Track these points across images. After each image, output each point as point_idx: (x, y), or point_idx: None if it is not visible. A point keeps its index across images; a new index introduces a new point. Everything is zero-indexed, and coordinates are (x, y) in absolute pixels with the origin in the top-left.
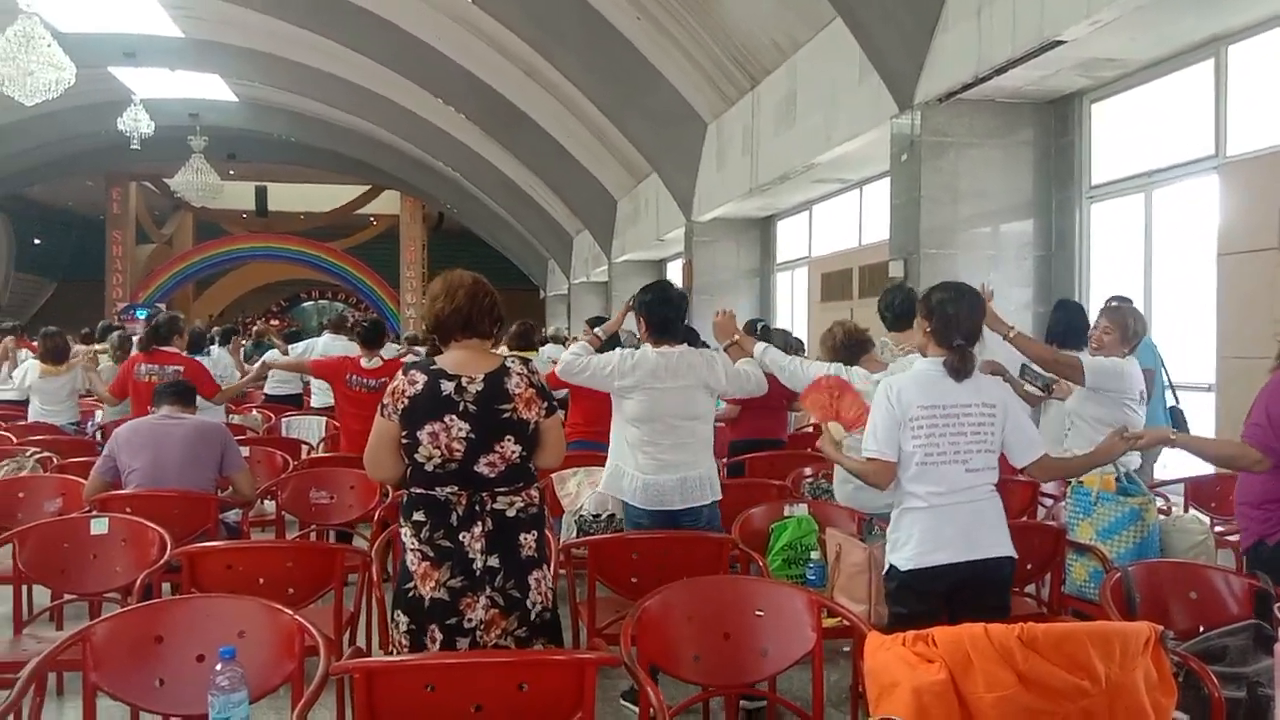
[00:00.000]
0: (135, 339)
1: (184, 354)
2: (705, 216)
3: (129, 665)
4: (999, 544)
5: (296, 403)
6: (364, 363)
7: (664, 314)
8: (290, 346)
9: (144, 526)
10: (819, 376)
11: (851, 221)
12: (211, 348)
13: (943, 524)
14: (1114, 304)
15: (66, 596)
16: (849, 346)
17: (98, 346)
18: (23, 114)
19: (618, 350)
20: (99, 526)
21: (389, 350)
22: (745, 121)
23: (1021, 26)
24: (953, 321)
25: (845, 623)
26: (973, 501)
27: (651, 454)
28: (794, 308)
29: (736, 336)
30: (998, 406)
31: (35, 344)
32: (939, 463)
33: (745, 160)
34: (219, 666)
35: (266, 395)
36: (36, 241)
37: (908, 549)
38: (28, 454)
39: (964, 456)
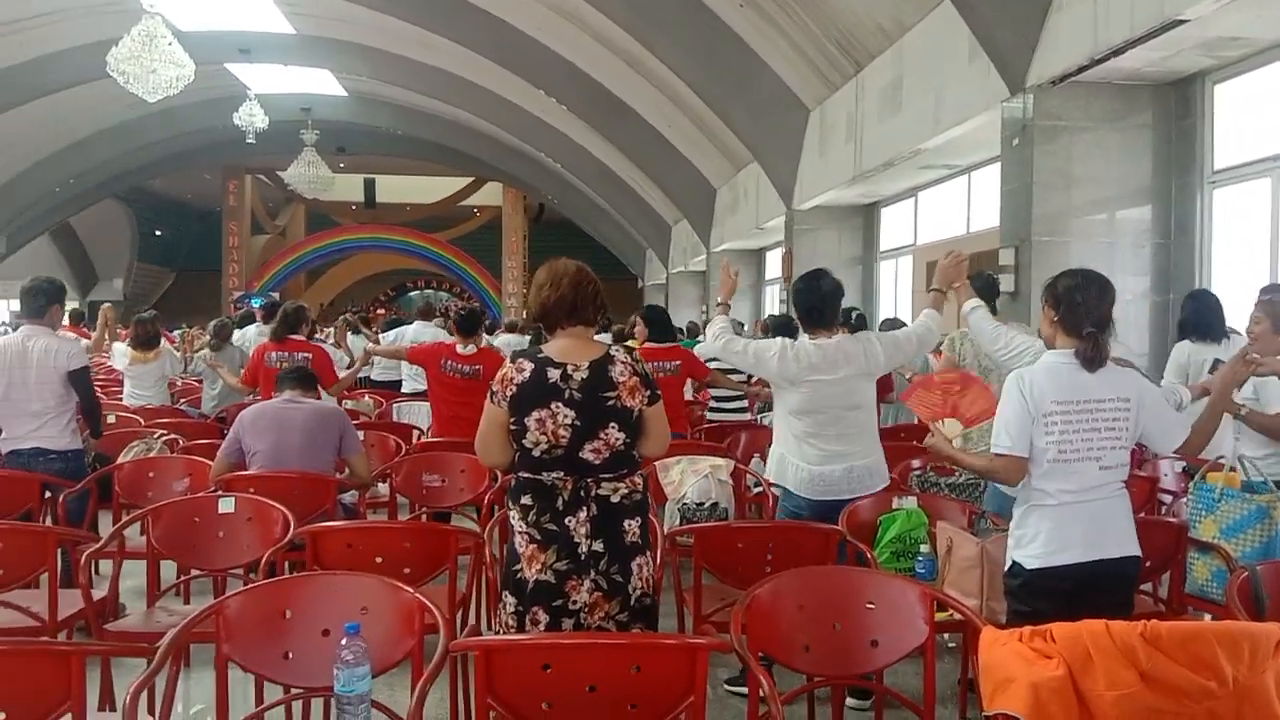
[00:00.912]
0: (213, 326)
1: (312, 343)
2: (806, 204)
3: (258, 638)
4: (1126, 543)
5: (396, 388)
6: (460, 349)
7: (810, 303)
8: (382, 335)
9: (268, 506)
10: (931, 374)
11: (959, 208)
12: (318, 337)
13: (1072, 522)
14: (1266, 295)
15: (193, 572)
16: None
17: (195, 331)
18: (145, 110)
19: (780, 339)
20: (226, 505)
21: (505, 340)
22: (849, 107)
23: (1140, 5)
24: (1081, 308)
25: (957, 617)
26: (1104, 499)
27: (816, 445)
28: (897, 297)
29: (958, 284)
30: (1132, 400)
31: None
32: (1073, 460)
33: (849, 147)
34: (344, 641)
35: (371, 381)
36: (157, 233)
37: (1034, 546)
38: (155, 436)
39: (1098, 453)
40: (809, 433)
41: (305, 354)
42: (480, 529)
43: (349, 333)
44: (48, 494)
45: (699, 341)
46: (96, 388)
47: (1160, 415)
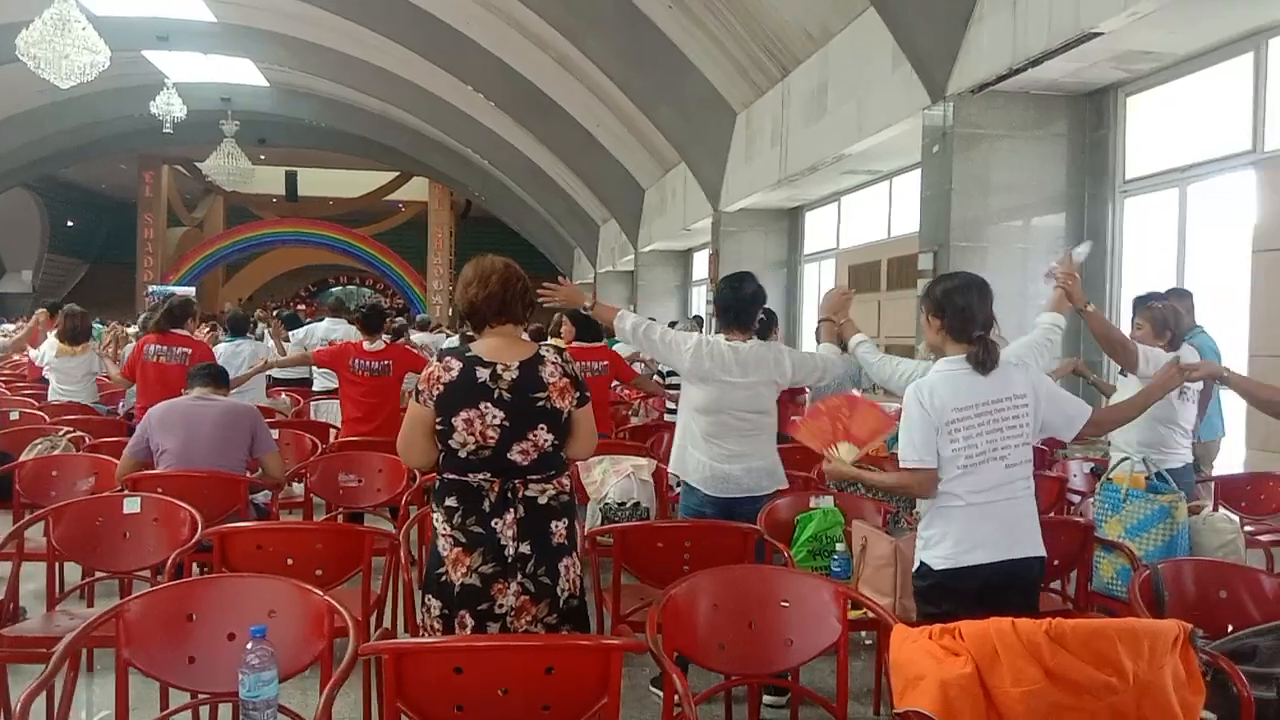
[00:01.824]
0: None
1: (193, 338)
2: (733, 207)
3: (161, 642)
4: (1033, 543)
5: (307, 385)
6: (367, 346)
7: (729, 304)
8: (291, 332)
9: (175, 506)
10: (817, 401)
11: (881, 213)
12: (264, 331)
13: (980, 523)
14: (1146, 299)
15: (97, 574)
16: None
17: (131, 329)
18: (58, 96)
19: (696, 335)
20: (131, 505)
21: (420, 339)
22: (775, 111)
23: (1058, 18)
24: (966, 312)
25: (870, 615)
26: (1010, 499)
27: (719, 444)
28: (821, 300)
29: (836, 319)
30: (1028, 395)
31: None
32: (979, 463)
33: (775, 150)
34: (250, 645)
35: (275, 380)
36: (70, 224)
37: (942, 547)
38: (60, 433)
39: (1002, 452)
40: (711, 432)
41: (185, 349)
42: (397, 530)
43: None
44: None
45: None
46: None
47: (1058, 404)
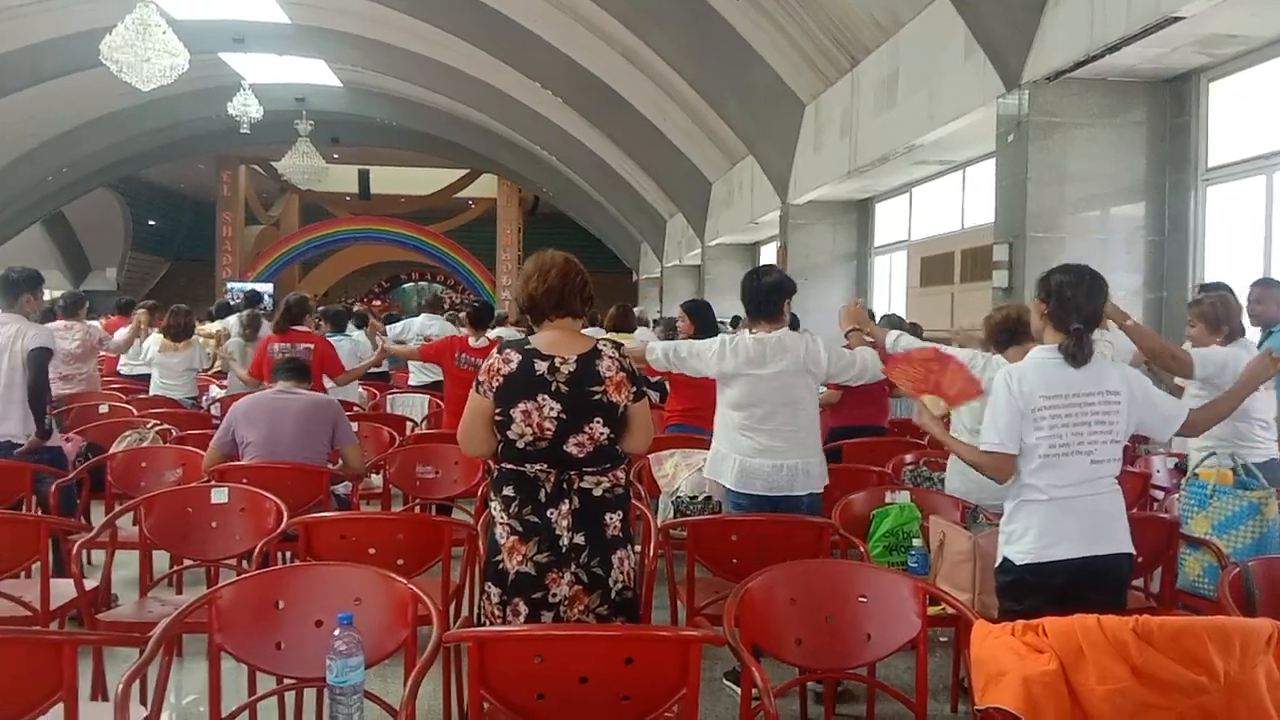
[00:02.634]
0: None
1: (314, 333)
2: (801, 199)
3: (251, 628)
4: (1119, 540)
5: (386, 379)
6: (472, 341)
7: (758, 297)
8: (388, 327)
9: (261, 496)
10: (912, 349)
11: (954, 204)
12: (352, 329)
13: (1062, 517)
14: (1199, 295)
15: (185, 562)
16: (1007, 330)
17: (217, 327)
18: (139, 99)
19: (720, 336)
20: (219, 496)
21: (505, 333)
22: (844, 102)
23: (1137, 2)
24: (1071, 304)
25: (949, 611)
26: (1095, 495)
27: (751, 439)
28: (892, 292)
29: (861, 327)
30: (1121, 393)
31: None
32: (1062, 455)
33: (844, 142)
34: (337, 632)
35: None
36: (151, 223)
37: (1025, 542)
38: (148, 426)
39: (1089, 447)
40: (744, 425)
41: (308, 345)
42: (474, 520)
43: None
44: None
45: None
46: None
47: (1155, 404)
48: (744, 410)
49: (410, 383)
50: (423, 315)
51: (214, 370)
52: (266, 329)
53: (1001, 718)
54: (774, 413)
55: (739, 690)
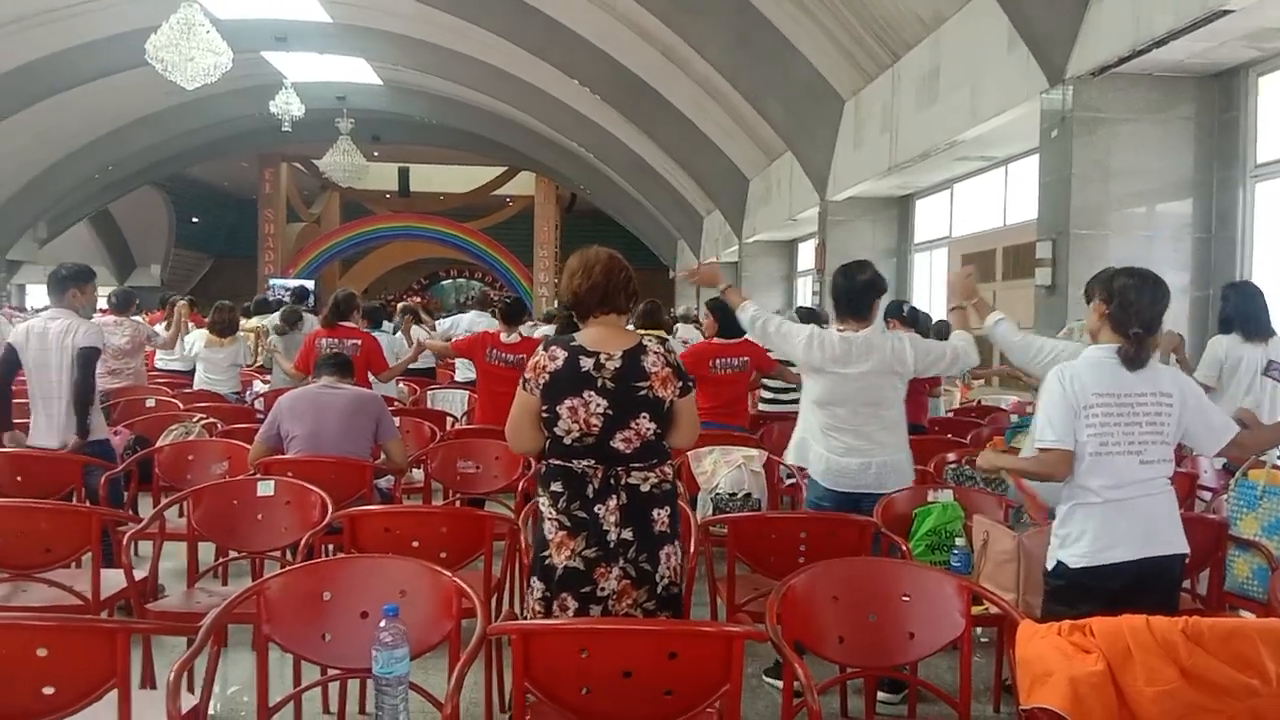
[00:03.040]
0: (282, 312)
1: (361, 329)
2: (840, 195)
3: (298, 619)
4: (1174, 541)
5: (431, 375)
6: (504, 338)
7: (841, 293)
8: (438, 321)
9: (307, 489)
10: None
11: (996, 201)
12: (387, 325)
13: (1117, 519)
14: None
15: (231, 554)
16: None
17: (255, 323)
18: (183, 98)
19: (810, 326)
20: (265, 488)
21: (548, 331)
22: (885, 98)
23: None
24: (1133, 308)
25: (992, 611)
26: (1147, 495)
27: (837, 438)
28: (932, 290)
29: (967, 303)
30: (1174, 396)
31: (197, 317)
32: (1113, 454)
33: (884, 138)
34: (383, 623)
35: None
36: (195, 220)
37: (1080, 545)
38: (194, 420)
39: (1138, 448)
40: (830, 425)
41: (355, 340)
42: (515, 515)
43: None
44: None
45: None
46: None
47: (1206, 415)
48: (827, 409)
49: (456, 378)
50: (472, 312)
51: (256, 365)
52: (312, 324)
53: (1047, 718)
54: (857, 412)
55: (780, 686)
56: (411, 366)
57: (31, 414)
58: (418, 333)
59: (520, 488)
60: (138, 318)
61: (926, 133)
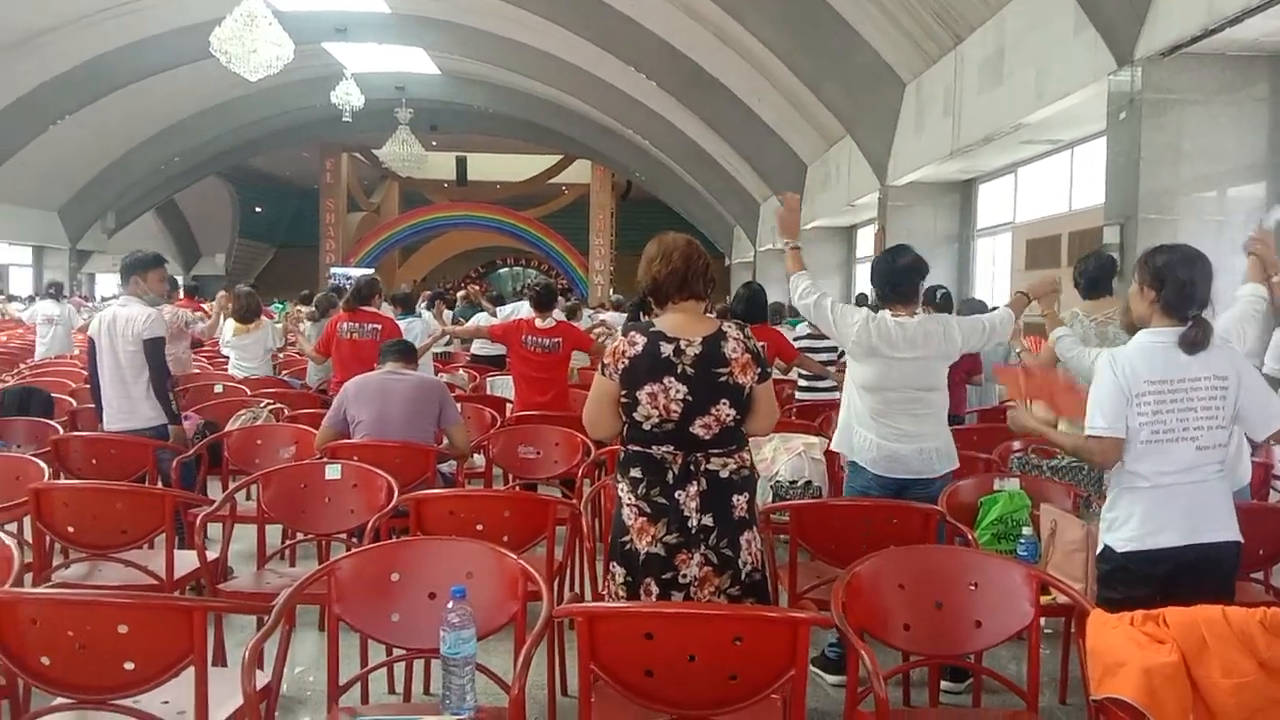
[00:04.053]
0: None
1: (381, 313)
2: (901, 180)
3: (368, 600)
4: (1225, 528)
5: (500, 363)
6: (538, 323)
7: (886, 279)
8: (499, 309)
9: (373, 473)
10: (1032, 365)
11: (1061, 185)
12: (422, 310)
13: (1166, 504)
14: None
15: (298, 536)
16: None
17: (304, 308)
18: (247, 89)
19: (863, 310)
20: (333, 472)
21: (613, 318)
22: (947, 81)
23: None
24: (1187, 289)
25: (1060, 600)
26: (1200, 482)
27: (887, 423)
28: (995, 276)
29: (1044, 311)
30: (1229, 378)
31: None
32: (1166, 441)
33: (946, 121)
34: (450, 604)
35: (473, 356)
36: (258, 210)
37: (1127, 530)
38: (262, 405)
39: (1194, 433)
40: (879, 410)
41: (375, 325)
42: (575, 501)
43: (446, 308)
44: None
45: (797, 322)
46: (196, 364)
47: (1259, 396)
48: (878, 393)
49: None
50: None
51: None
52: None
53: (1119, 709)
54: (912, 398)
55: (826, 677)
56: (478, 353)
57: (104, 399)
58: (481, 318)
59: (581, 474)
60: (179, 306)
61: (990, 116)
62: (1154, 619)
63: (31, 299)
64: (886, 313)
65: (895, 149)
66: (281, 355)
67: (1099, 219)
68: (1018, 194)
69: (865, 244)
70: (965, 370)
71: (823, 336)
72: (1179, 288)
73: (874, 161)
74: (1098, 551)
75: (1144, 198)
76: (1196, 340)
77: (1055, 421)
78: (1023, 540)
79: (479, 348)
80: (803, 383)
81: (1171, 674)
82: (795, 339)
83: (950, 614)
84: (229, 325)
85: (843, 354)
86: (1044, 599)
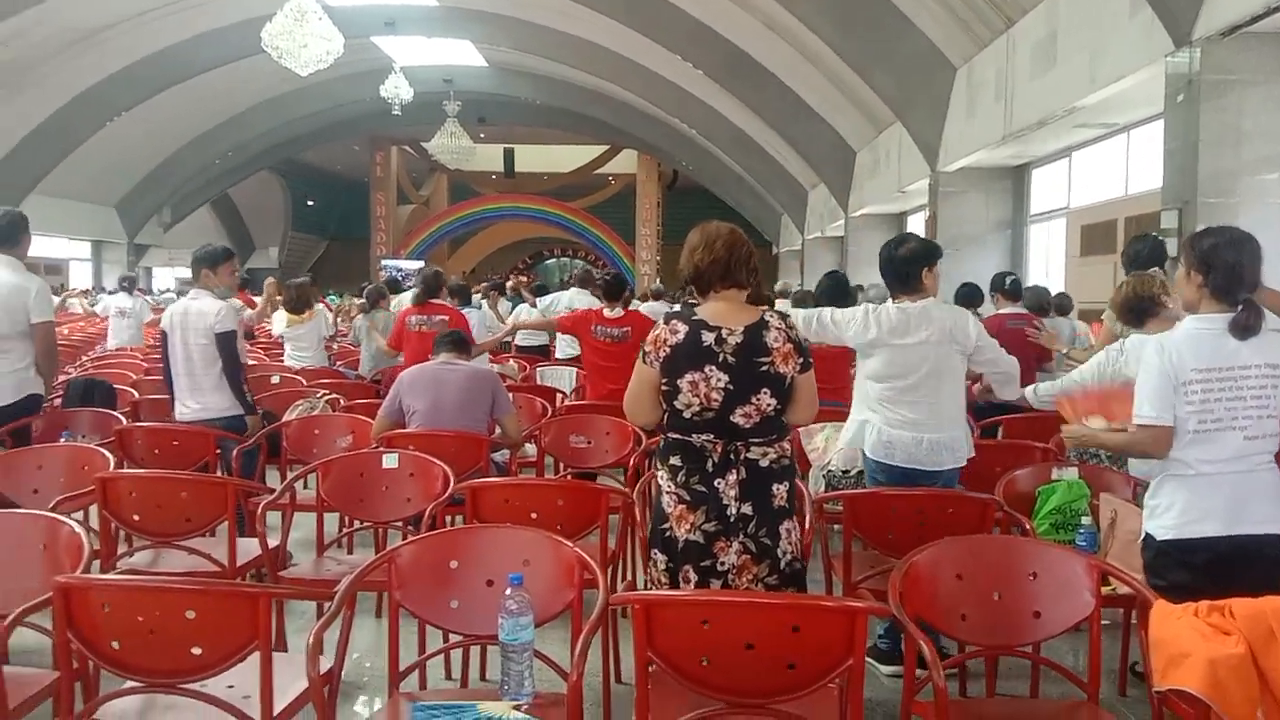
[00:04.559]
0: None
1: (448, 306)
2: (952, 166)
3: (427, 586)
4: (1270, 519)
5: (544, 353)
6: (607, 313)
7: (894, 268)
8: (539, 299)
9: (429, 462)
10: (1099, 387)
11: (1117, 169)
12: (478, 301)
13: (1209, 493)
14: None
15: (356, 524)
16: (1132, 310)
17: (357, 300)
18: (298, 84)
19: (864, 305)
20: (390, 461)
21: (650, 308)
22: (999, 65)
23: None
24: (1235, 271)
25: (1122, 590)
26: (1246, 471)
27: (892, 410)
28: (1049, 263)
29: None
30: None
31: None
32: (1213, 430)
33: (999, 106)
34: (508, 591)
35: (517, 347)
36: (310, 203)
37: (1168, 517)
38: (318, 395)
39: (1242, 423)
40: (885, 397)
41: (443, 316)
42: (627, 490)
43: (500, 298)
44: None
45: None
46: (252, 355)
47: None
48: (885, 381)
49: (557, 355)
50: (572, 289)
51: (349, 342)
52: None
53: (1183, 701)
54: (916, 385)
55: (880, 667)
56: (522, 344)
57: (176, 390)
58: (523, 310)
59: (632, 463)
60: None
61: (1043, 100)
62: (1219, 609)
63: (113, 292)
64: (889, 301)
65: (946, 134)
66: (335, 345)
67: (1156, 203)
68: (1072, 179)
69: (916, 230)
70: (1036, 356)
71: None
72: (1227, 271)
73: (924, 147)
74: (1140, 539)
75: (1203, 181)
76: (1248, 325)
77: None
78: (1082, 530)
79: (522, 338)
80: None
81: (1238, 665)
82: None
83: (1009, 604)
84: (280, 317)
85: None
86: (1104, 589)
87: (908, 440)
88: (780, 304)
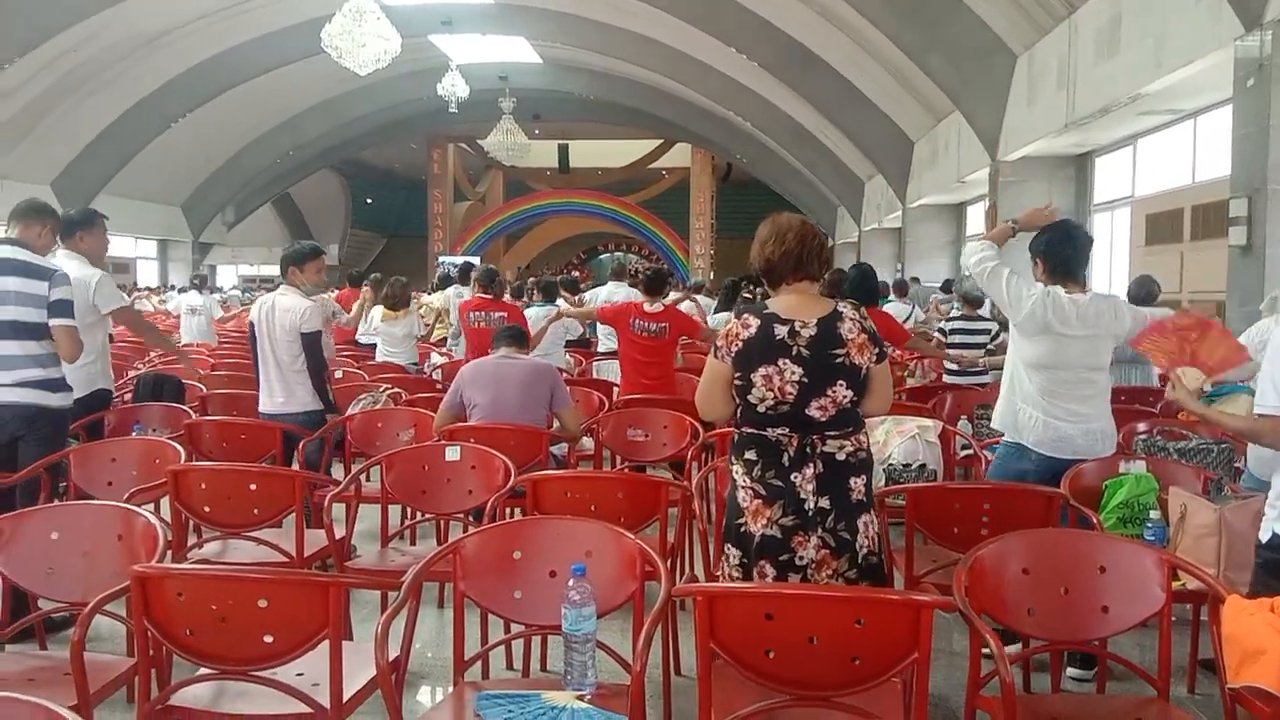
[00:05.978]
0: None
1: (507, 302)
2: (1013, 155)
3: (491, 577)
4: None
5: (585, 347)
6: (647, 307)
7: (1065, 254)
8: (582, 296)
9: (491, 455)
10: (1165, 320)
11: (1184, 156)
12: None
13: None
14: None
15: (419, 516)
16: None
17: (439, 300)
18: (356, 84)
19: (1039, 284)
20: (452, 454)
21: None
22: (1060, 51)
23: None
24: None
25: (1190, 586)
26: None
27: (1056, 403)
28: (1113, 253)
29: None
30: None
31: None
32: None
33: (1060, 93)
34: (571, 582)
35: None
36: (369, 201)
37: None
38: (381, 390)
39: None
40: (1048, 390)
41: (501, 313)
42: (685, 483)
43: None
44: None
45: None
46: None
47: None
48: (1047, 372)
49: (599, 349)
50: (610, 283)
51: (434, 339)
52: (452, 295)
53: (1258, 699)
54: (1081, 378)
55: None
56: (567, 339)
57: (261, 383)
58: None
59: (690, 456)
60: (326, 295)
61: (1107, 86)
62: None
63: (183, 290)
64: (1059, 289)
65: (1006, 123)
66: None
67: (1224, 191)
68: (1136, 167)
69: (975, 221)
70: None
71: (977, 319)
72: None
73: (984, 136)
74: (1264, 539)
75: (1274, 167)
76: None
77: (1209, 392)
78: (1150, 524)
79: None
80: (952, 368)
81: None
82: (949, 320)
83: (1076, 599)
84: (377, 312)
85: (994, 338)
86: (1174, 584)
87: (1076, 433)
88: None
